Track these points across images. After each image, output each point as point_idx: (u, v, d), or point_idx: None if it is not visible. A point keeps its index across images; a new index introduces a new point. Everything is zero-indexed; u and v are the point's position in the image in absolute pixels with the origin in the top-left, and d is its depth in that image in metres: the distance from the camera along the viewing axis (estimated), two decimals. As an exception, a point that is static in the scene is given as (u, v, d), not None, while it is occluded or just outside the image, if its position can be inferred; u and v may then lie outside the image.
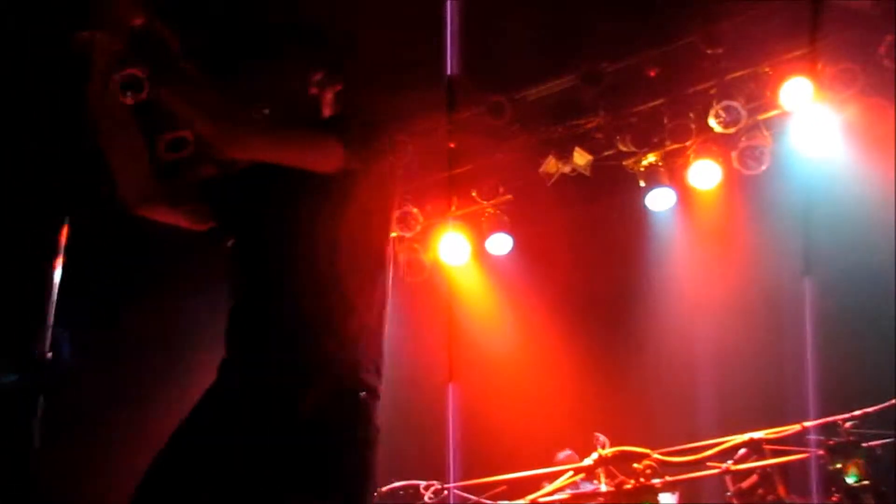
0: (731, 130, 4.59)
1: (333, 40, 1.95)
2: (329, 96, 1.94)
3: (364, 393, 1.72)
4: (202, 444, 1.66)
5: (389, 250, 1.88)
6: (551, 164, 4.92)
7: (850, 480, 3.38)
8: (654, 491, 3.82)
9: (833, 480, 3.44)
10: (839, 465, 3.41)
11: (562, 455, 4.70)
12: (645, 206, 5.02)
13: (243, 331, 1.78)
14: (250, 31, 1.94)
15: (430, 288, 5.57)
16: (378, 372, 1.77)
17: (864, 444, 3.43)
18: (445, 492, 4.22)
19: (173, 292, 4.70)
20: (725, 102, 4.53)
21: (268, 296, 1.77)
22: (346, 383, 1.71)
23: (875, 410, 3.46)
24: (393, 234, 1.97)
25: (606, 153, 4.94)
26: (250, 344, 1.77)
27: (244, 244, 1.86)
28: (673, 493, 3.99)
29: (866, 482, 3.35)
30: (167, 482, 1.63)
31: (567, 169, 4.94)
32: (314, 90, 1.91)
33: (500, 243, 5.33)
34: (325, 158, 1.75)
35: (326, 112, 1.94)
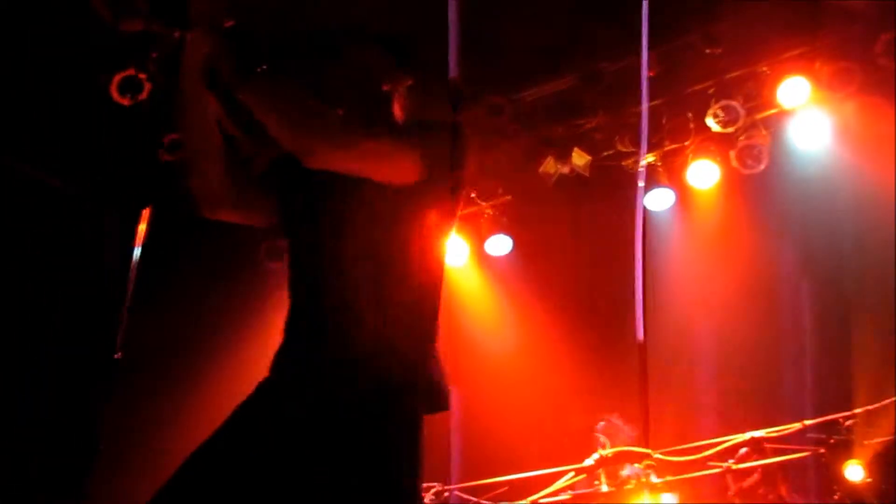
0: (730, 130, 4.60)
1: (399, 36, 1.93)
2: (401, 91, 1.92)
3: (396, 395, 1.70)
4: (239, 444, 1.66)
5: (443, 266, 1.87)
6: (550, 165, 4.92)
7: (851, 478, 3.38)
8: (656, 491, 3.82)
9: (834, 479, 3.45)
10: (840, 464, 3.42)
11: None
12: (644, 206, 5.02)
13: (294, 328, 1.79)
14: (313, 29, 1.93)
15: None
16: (412, 380, 1.74)
17: (864, 442, 3.43)
18: (447, 493, 4.21)
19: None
20: (723, 102, 4.54)
21: (317, 297, 1.77)
22: (379, 387, 1.69)
23: (875, 408, 3.47)
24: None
25: (605, 153, 4.95)
26: (299, 343, 1.77)
27: (300, 242, 1.87)
28: (674, 493, 3.99)
29: (867, 480, 3.36)
30: (199, 478, 1.62)
31: (566, 169, 4.94)
32: (386, 86, 1.89)
33: (500, 244, 5.33)
34: (400, 174, 1.74)
35: (398, 109, 1.92)
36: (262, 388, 1.75)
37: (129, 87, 1.85)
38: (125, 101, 1.81)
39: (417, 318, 1.77)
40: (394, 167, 1.75)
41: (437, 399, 1.77)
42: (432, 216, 1.81)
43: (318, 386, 1.69)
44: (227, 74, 1.67)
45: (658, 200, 4.98)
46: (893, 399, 3.46)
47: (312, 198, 1.84)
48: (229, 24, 1.67)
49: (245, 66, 1.66)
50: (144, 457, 4.06)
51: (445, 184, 1.80)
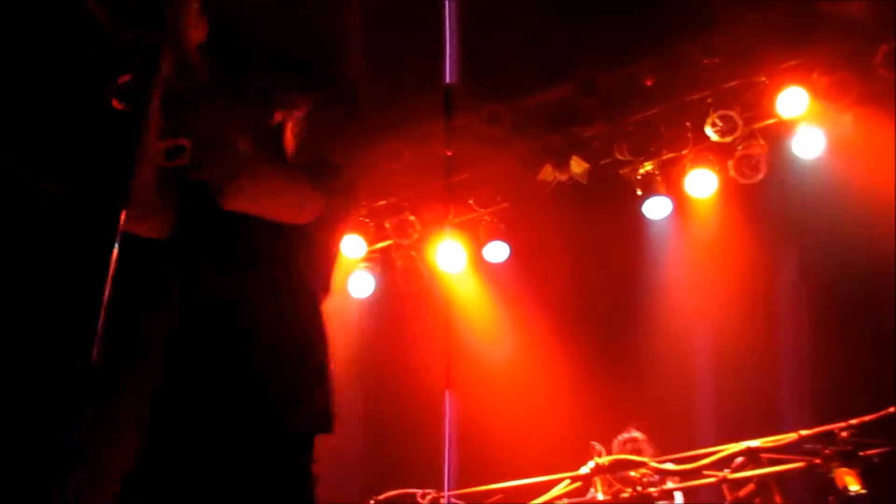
0: (728, 139, 4.62)
1: (303, 61, 1.90)
2: (293, 120, 1.85)
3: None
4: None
5: (331, 288, 1.87)
6: (548, 173, 4.94)
7: (847, 489, 3.37)
8: (652, 499, 3.82)
9: (830, 489, 3.44)
10: (836, 474, 3.41)
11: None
12: (642, 215, 5.03)
13: (180, 355, 1.74)
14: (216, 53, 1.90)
15: (427, 295, 5.57)
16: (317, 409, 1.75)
17: (861, 453, 3.42)
18: (442, 500, 4.20)
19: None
20: (721, 112, 4.56)
21: (208, 321, 1.73)
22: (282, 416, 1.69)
23: (872, 419, 3.46)
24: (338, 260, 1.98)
25: (603, 162, 4.97)
26: (185, 372, 1.72)
27: (193, 265, 1.81)
28: (669, 503, 3.99)
29: (863, 491, 3.34)
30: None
31: (564, 177, 4.96)
32: (279, 115, 1.83)
33: (497, 251, 5.34)
34: (305, 215, 1.77)
35: (290, 138, 1.84)
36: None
37: (126, 96, 1.84)
38: (123, 109, 1.81)
39: (309, 343, 1.77)
40: (299, 212, 1.76)
41: (324, 423, 1.74)
42: (326, 243, 1.84)
43: (206, 419, 1.65)
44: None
45: (656, 209, 4.98)
46: (890, 409, 3.46)
47: (212, 222, 1.78)
48: (202, 39, 1.66)
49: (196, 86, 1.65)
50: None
51: (343, 212, 1.84)
